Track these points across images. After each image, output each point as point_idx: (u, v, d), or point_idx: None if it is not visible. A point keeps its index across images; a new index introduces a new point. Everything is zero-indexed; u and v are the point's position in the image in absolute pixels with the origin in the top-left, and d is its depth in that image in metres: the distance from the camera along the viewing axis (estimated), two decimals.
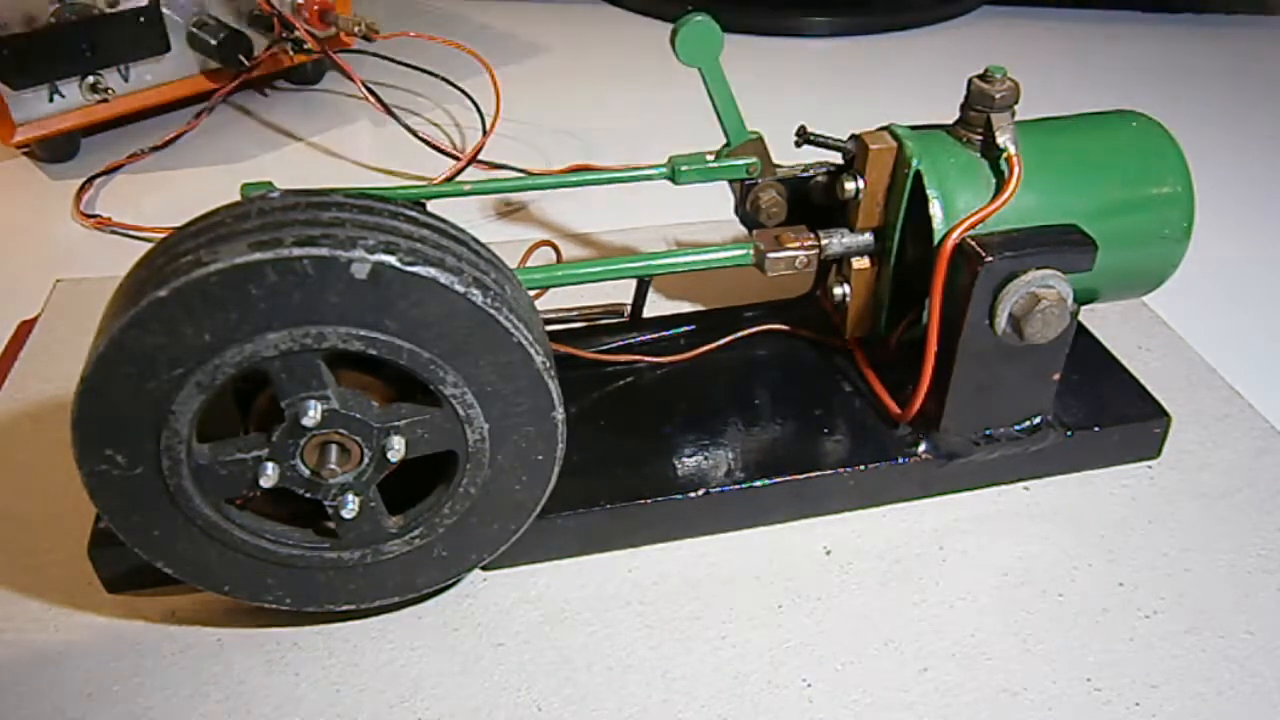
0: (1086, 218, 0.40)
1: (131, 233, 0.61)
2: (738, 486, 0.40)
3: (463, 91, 0.74)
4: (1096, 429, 0.43)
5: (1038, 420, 0.42)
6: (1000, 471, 0.43)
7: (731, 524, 0.41)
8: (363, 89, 0.68)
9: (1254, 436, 0.46)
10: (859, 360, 0.45)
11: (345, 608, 0.36)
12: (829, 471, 0.41)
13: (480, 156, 0.68)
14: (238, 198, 0.44)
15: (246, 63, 0.71)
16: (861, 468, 0.41)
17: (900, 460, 0.41)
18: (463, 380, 0.31)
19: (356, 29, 0.72)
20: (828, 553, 0.41)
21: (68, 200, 0.65)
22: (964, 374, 0.40)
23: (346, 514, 0.33)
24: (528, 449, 0.34)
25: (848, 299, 0.43)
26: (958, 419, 0.41)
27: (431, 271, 0.29)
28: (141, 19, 0.67)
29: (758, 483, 0.40)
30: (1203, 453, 0.45)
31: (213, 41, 0.69)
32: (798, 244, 0.42)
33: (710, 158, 0.45)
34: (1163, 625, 0.38)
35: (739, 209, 0.46)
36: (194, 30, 0.70)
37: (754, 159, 0.44)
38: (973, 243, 0.38)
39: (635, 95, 0.82)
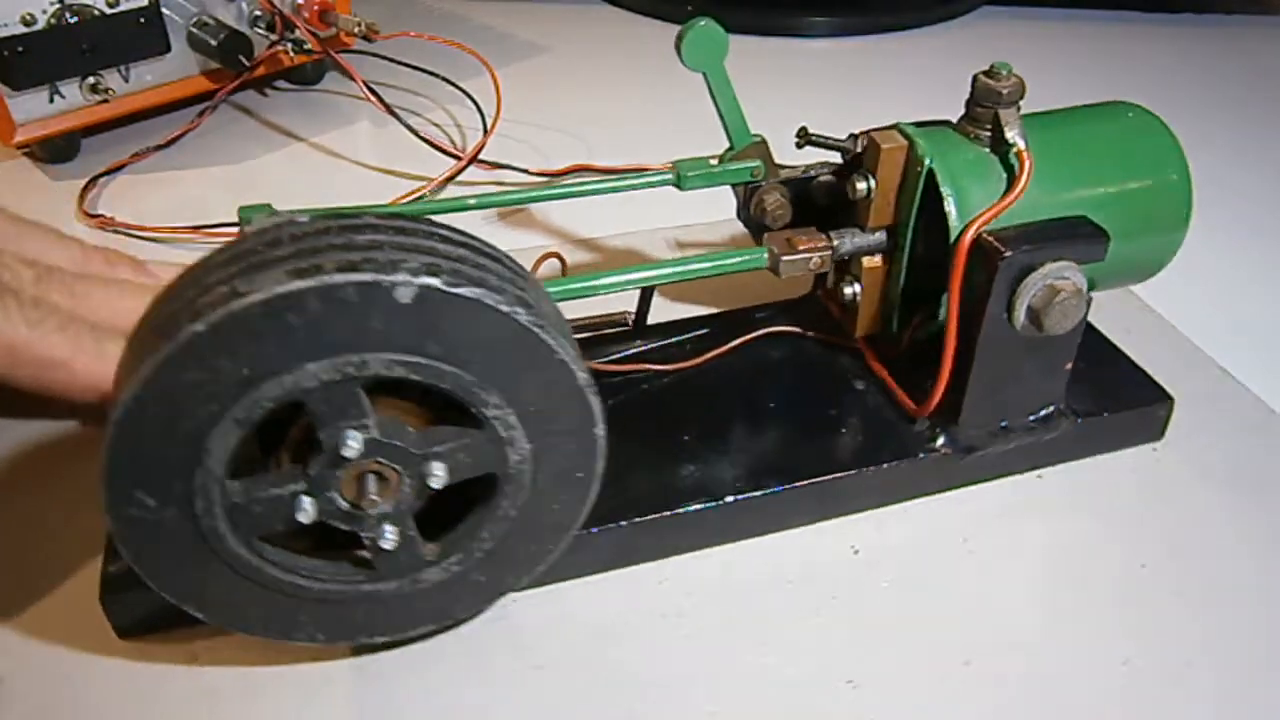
0: (1088, 208, 0.40)
1: (134, 232, 0.60)
2: (761, 492, 0.40)
3: (463, 91, 0.73)
4: (1105, 415, 0.44)
5: (1050, 410, 0.43)
6: (1016, 461, 0.43)
7: (756, 530, 0.41)
8: (364, 89, 0.67)
9: (1245, 413, 0.47)
10: (870, 358, 0.45)
11: (379, 640, 0.35)
12: (852, 471, 0.41)
13: (481, 156, 0.67)
14: (239, 199, 0.43)
15: (247, 63, 0.69)
16: (884, 465, 0.41)
17: (921, 456, 0.42)
18: (505, 401, 0.31)
19: (357, 29, 0.71)
20: (855, 552, 0.41)
21: (68, 200, 0.64)
22: (982, 368, 0.40)
23: (385, 544, 0.32)
24: (569, 467, 0.33)
25: (858, 298, 0.44)
26: (976, 412, 0.41)
27: (477, 292, 0.28)
28: (141, 19, 0.66)
29: (781, 487, 0.40)
30: (1202, 433, 0.46)
31: (213, 42, 0.68)
32: (811, 246, 0.42)
33: (714, 162, 0.45)
34: (1190, 603, 0.38)
35: (742, 212, 0.46)
36: (194, 30, 0.69)
37: (758, 162, 0.44)
38: (990, 238, 0.38)
39: (636, 95, 0.81)
